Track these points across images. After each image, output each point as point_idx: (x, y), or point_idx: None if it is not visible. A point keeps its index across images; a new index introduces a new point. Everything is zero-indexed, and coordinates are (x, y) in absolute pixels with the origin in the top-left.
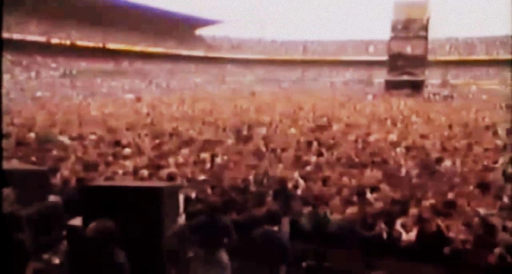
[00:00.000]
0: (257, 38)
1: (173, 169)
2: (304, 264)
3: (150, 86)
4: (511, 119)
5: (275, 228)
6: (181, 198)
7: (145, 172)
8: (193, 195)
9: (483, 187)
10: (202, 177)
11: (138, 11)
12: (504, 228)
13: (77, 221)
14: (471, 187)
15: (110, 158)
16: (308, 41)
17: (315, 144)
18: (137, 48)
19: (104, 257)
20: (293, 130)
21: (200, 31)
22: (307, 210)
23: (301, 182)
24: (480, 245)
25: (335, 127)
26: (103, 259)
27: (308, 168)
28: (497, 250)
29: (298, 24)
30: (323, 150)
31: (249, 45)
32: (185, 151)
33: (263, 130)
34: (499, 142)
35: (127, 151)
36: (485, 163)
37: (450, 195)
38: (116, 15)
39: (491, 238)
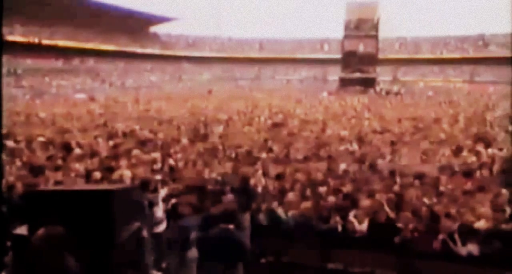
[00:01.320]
0: (214, 36)
1: (125, 171)
2: (263, 260)
3: (103, 85)
4: (454, 114)
5: (232, 226)
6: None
7: (97, 174)
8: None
9: (422, 178)
10: (158, 177)
11: (89, 7)
12: (447, 215)
13: (23, 230)
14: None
15: (60, 161)
16: (265, 39)
17: (270, 140)
18: (88, 45)
19: (53, 266)
20: (249, 128)
21: (154, 29)
22: (263, 206)
23: (262, 179)
24: (427, 232)
25: (290, 124)
26: (52, 270)
27: (259, 164)
28: (440, 236)
29: (254, 22)
30: (279, 146)
31: (205, 42)
32: (136, 151)
33: (219, 129)
34: (443, 136)
35: (78, 153)
36: (430, 155)
37: (396, 187)
38: (65, 11)
39: (436, 225)
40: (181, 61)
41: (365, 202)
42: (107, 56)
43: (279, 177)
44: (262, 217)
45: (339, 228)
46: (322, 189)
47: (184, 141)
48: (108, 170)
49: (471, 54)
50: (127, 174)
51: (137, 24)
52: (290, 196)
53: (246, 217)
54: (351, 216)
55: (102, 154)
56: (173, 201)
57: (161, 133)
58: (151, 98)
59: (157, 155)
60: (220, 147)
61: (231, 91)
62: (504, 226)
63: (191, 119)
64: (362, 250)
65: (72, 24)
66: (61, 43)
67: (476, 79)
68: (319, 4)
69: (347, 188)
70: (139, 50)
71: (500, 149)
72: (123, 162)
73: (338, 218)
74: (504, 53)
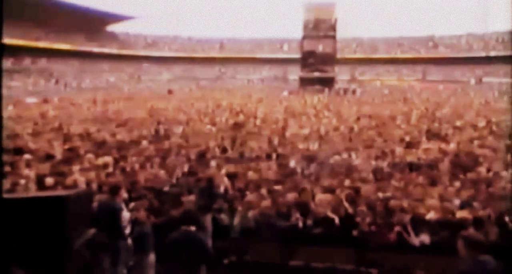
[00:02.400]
0: (173, 35)
1: (78, 175)
2: (225, 260)
3: (57, 86)
4: (407, 111)
5: (193, 228)
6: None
7: (50, 180)
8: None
9: (377, 173)
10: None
11: (41, 4)
12: (400, 209)
13: None
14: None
15: (8, 168)
16: (225, 38)
17: (229, 140)
18: (41, 44)
19: None
20: (210, 128)
21: (111, 27)
22: (224, 206)
23: (226, 180)
24: (383, 225)
25: (251, 123)
26: None
27: (214, 163)
28: (395, 229)
29: (214, 22)
30: (237, 146)
31: (165, 42)
32: (90, 155)
33: (179, 130)
34: (400, 132)
35: (29, 158)
36: (385, 151)
37: (353, 183)
38: (15, 7)
39: (391, 218)
40: (141, 61)
41: (324, 197)
42: (61, 56)
43: (233, 176)
44: (223, 217)
45: (300, 224)
46: (278, 187)
47: (143, 142)
48: (61, 175)
49: (423, 54)
50: (80, 178)
51: (93, 23)
52: (249, 195)
53: (207, 218)
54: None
55: (55, 158)
56: (132, 205)
57: (119, 135)
58: (109, 99)
59: (109, 158)
60: (180, 148)
61: (192, 92)
62: (452, 216)
63: (151, 120)
64: (323, 246)
65: (23, 21)
66: (10, 41)
67: (428, 78)
68: (278, 5)
69: (306, 185)
70: (96, 49)
71: (448, 143)
72: (77, 166)
73: (298, 215)
74: (452, 53)
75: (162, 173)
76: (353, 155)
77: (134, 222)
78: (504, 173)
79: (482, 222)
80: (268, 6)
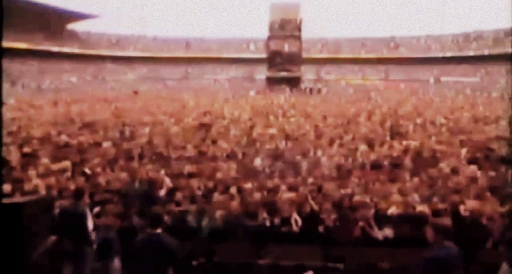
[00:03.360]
0: (138, 35)
1: (37, 181)
2: (194, 262)
3: (14, 88)
4: (371, 110)
5: (160, 231)
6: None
7: (7, 187)
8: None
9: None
10: (72, 186)
11: None
12: (364, 204)
13: None
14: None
15: None
16: (191, 38)
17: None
18: None
19: None
20: (176, 129)
21: (72, 26)
22: (192, 208)
23: (168, 181)
24: (347, 221)
25: (219, 124)
26: None
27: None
28: (360, 224)
29: (180, 21)
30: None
31: (129, 42)
32: (45, 160)
33: (146, 131)
34: (364, 130)
35: None
36: (351, 148)
37: (318, 180)
38: None
39: (355, 214)
40: (104, 61)
41: (290, 196)
42: (19, 55)
43: (193, 175)
44: (191, 219)
45: (267, 223)
46: (247, 186)
47: (107, 144)
48: (18, 182)
49: (385, 54)
50: (40, 184)
51: (52, 21)
52: (217, 196)
53: None
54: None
55: (12, 164)
56: (97, 209)
57: (82, 137)
58: (71, 100)
59: (67, 163)
60: (145, 150)
61: (158, 92)
62: (412, 210)
63: (115, 122)
64: (291, 244)
65: None
66: None
67: (390, 78)
68: (244, 5)
69: (273, 183)
70: (55, 49)
71: (410, 141)
72: (34, 171)
73: (265, 214)
74: (412, 54)
75: (125, 175)
76: (319, 153)
77: (98, 227)
78: (460, 168)
79: (439, 215)
80: (234, 6)
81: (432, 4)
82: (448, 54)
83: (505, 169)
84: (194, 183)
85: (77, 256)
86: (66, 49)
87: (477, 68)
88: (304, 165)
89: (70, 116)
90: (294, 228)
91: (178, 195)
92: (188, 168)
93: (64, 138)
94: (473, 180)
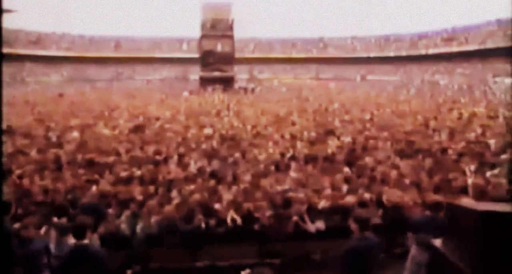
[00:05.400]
0: (62, 33)
1: None
2: (129, 271)
3: None
4: (303, 108)
5: (86, 241)
6: None
7: None
8: None
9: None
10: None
11: None
12: (297, 199)
13: None
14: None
15: None
16: (121, 37)
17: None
18: None
19: None
20: (108, 132)
21: None
22: (126, 214)
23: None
24: (282, 217)
25: (152, 125)
26: None
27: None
28: (294, 219)
29: (108, 19)
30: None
31: (52, 40)
32: None
33: (74, 136)
34: (297, 128)
35: None
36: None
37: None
38: None
39: (288, 210)
40: (23, 61)
41: (228, 196)
42: None
43: (129, 181)
44: (124, 226)
45: (203, 225)
46: (187, 188)
47: (32, 152)
48: None
49: (315, 54)
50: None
51: None
52: (151, 200)
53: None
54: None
55: None
56: (18, 224)
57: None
58: None
59: None
60: (73, 156)
61: (86, 94)
62: (341, 202)
63: (39, 127)
64: (227, 244)
65: None
66: None
67: (320, 76)
68: (176, 3)
69: (211, 184)
70: None
71: (340, 137)
72: None
73: (200, 216)
74: (340, 54)
75: (52, 184)
76: (255, 151)
77: (23, 239)
78: (385, 160)
79: (365, 204)
80: (166, 4)
81: (357, 7)
82: (372, 54)
83: (422, 158)
84: (133, 188)
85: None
86: None
87: (397, 67)
88: (241, 164)
89: None
90: (231, 227)
91: (114, 202)
92: (123, 173)
93: None
94: (397, 171)
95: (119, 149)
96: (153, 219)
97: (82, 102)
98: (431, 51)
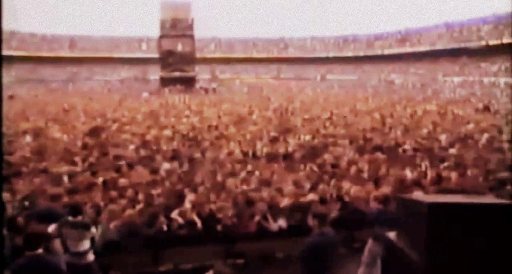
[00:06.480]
0: (10, 31)
1: None
2: None
3: None
4: (265, 106)
5: (41, 251)
6: None
7: None
8: None
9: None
10: None
11: None
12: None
13: None
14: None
15: None
16: (76, 36)
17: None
18: None
19: None
20: (62, 135)
21: None
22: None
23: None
24: (243, 217)
25: (111, 128)
26: None
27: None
28: (256, 219)
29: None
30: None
31: None
32: None
33: (27, 139)
34: (258, 127)
35: None
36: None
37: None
38: None
39: (251, 209)
40: None
41: (191, 197)
42: None
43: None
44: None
45: (165, 228)
46: (152, 192)
47: None
48: None
49: (276, 54)
50: None
51: None
52: (111, 205)
53: (56, 241)
54: (174, 214)
55: None
56: None
57: None
58: None
59: None
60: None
61: (39, 96)
62: (302, 199)
63: None
64: (190, 246)
65: None
66: None
67: (281, 76)
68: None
69: (174, 186)
70: None
71: (300, 135)
72: None
73: (162, 219)
74: (300, 54)
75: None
76: (217, 151)
77: None
78: (344, 157)
79: (325, 201)
80: (123, 2)
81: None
82: (331, 54)
83: (381, 155)
84: (94, 194)
85: None
86: None
87: (355, 67)
88: (203, 164)
89: None
90: (193, 229)
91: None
92: (82, 179)
93: None
94: (355, 168)
95: (75, 155)
96: (113, 224)
97: (34, 105)
98: (386, 51)
